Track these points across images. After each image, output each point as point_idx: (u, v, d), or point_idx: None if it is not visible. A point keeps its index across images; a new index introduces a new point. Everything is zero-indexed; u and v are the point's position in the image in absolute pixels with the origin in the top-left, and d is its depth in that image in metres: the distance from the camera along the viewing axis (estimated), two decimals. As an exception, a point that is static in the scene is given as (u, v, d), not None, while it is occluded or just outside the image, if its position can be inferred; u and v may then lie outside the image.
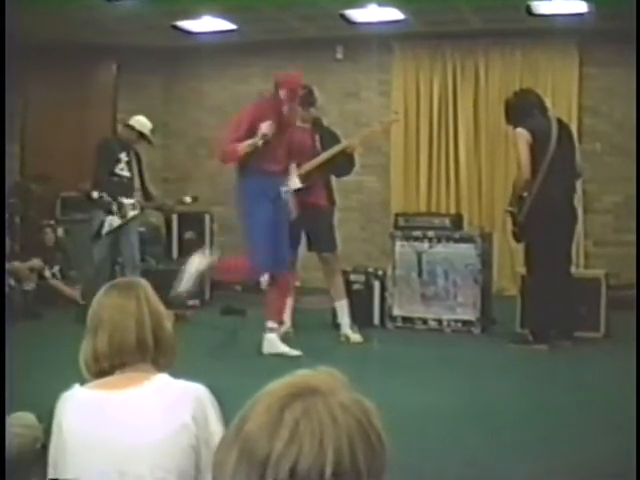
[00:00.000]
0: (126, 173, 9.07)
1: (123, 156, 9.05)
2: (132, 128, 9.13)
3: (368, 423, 1.24)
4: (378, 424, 1.26)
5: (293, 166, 8.04)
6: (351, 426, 1.21)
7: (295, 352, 7.25)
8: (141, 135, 9.15)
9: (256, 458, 1.19)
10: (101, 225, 8.95)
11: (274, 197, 7.36)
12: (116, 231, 8.97)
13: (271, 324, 7.51)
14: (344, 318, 8.21)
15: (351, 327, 8.17)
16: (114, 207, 8.90)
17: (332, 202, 8.31)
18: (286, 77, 7.62)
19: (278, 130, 7.24)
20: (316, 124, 8.27)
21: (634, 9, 8.38)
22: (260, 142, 7.09)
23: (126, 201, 8.95)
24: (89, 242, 9.17)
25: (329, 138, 8.20)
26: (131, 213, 8.99)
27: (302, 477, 1.17)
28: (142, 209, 9.16)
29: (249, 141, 7.16)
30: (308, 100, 8.15)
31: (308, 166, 8.01)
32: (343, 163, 8.15)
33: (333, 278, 8.28)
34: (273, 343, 7.41)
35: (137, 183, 9.20)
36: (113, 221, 8.92)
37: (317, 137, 8.18)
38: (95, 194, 9.07)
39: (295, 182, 8.02)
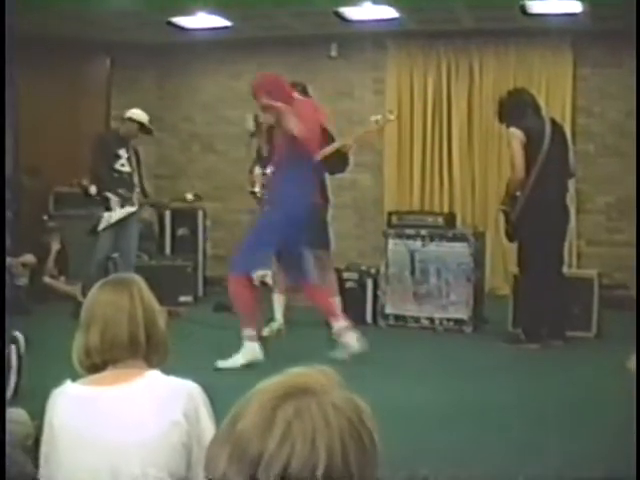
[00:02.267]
0: (127, 169, 8.97)
1: (122, 152, 8.95)
2: (131, 120, 9.04)
3: (360, 423, 1.24)
4: (370, 424, 1.26)
5: None
6: (343, 426, 1.21)
7: None
8: (141, 127, 9.10)
9: (248, 457, 1.19)
10: (98, 221, 8.93)
11: None
12: (115, 227, 8.92)
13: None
14: None
15: (345, 325, 8.17)
16: (113, 203, 8.85)
17: (326, 200, 8.30)
18: None
19: None
20: None
21: (629, 10, 8.37)
22: None
23: (126, 196, 8.92)
24: (84, 237, 9.15)
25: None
26: (130, 209, 8.92)
27: (294, 477, 1.17)
28: (140, 205, 9.10)
29: None
30: None
31: None
32: (337, 161, 8.11)
33: (326, 275, 8.27)
34: None
35: (136, 179, 9.11)
36: (111, 217, 8.87)
37: None
38: (93, 189, 9.03)
39: None
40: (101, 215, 8.87)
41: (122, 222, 8.91)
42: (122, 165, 8.95)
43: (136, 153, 9.19)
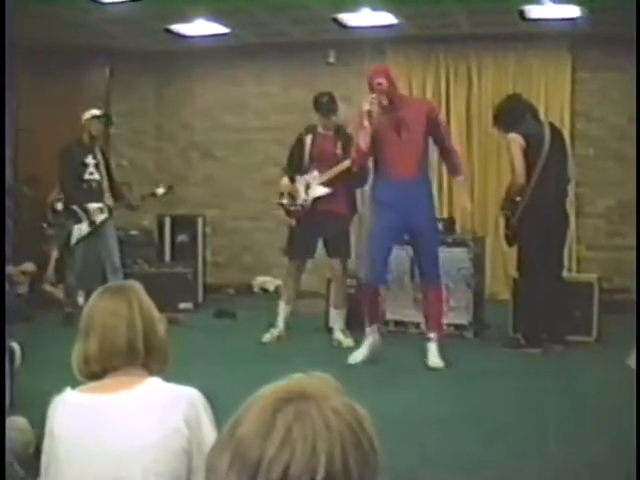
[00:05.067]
0: (95, 177, 8.91)
1: (90, 159, 8.89)
2: (89, 120, 8.94)
3: (360, 429, 1.24)
4: (370, 430, 1.26)
5: (315, 173, 8.05)
6: (343, 432, 1.21)
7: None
8: (99, 118, 9.04)
9: (248, 462, 1.19)
10: (69, 235, 8.90)
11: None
12: (89, 237, 8.90)
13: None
14: (338, 323, 8.20)
15: (343, 332, 8.17)
16: (80, 215, 8.80)
17: (352, 210, 8.31)
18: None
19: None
20: (339, 131, 8.25)
21: (627, 14, 8.39)
22: (366, 122, 6.94)
23: (94, 206, 8.82)
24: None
25: (352, 146, 8.13)
26: (100, 217, 8.88)
27: None
28: (111, 211, 9.00)
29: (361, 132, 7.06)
30: (329, 107, 8.15)
31: (329, 174, 8.01)
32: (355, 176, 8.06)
33: (337, 285, 8.30)
34: None
35: (106, 185, 9.04)
36: (82, 229, 8.83)
37: (339, 144, 8.13)
38: (59, 205, 9.00)
39: (316, 190, 8.02)
40: (71, 229, 8.85)
41: (96, 231, 8.88)
42: (91, 173, 8.90)
43: (104, 156, 9.15)
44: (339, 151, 8.11)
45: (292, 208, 8.18)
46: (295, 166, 8.23)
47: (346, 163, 7.91)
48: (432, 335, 7.27)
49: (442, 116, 7.36)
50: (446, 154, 7.43)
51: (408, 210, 7.01)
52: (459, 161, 7.48)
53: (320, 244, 8.27)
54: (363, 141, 7.03)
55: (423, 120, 7.04)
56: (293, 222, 8.29)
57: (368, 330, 7.36)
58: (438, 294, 7.38)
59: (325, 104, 8.16)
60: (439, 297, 7.42)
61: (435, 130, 7.13)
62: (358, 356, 7.26)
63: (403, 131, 7.02)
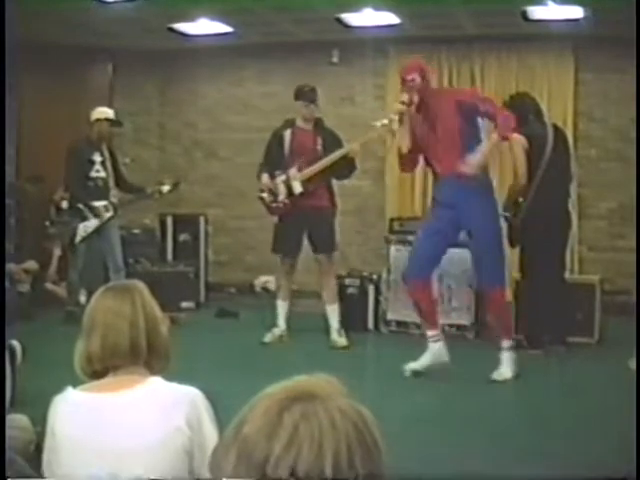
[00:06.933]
0: (102, 174, 8.90)
1: (97, 157, 8.89)
2: (99, 120, 8.95)
3: (366, 428, 1.24)
4: (375, 430, 1.26)
5: (294, 170, 7.98)
6: (349, 431, 1.22)
7: None
8: (112, 122, 9.07)
9: (254, 460, 1.19)
10: (74, 233, 8.90)
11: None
12: (94, 235, 8.90)
13: None
14: (333, 322, 8.17)
15: (338, 331, 8.13)
16: (86, 213, 8.81)
17: (333, 204, 8.26)
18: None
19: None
20: (318, 125, 8.21)
21: (630, 15, 8.37)
22: (396, 126, 6.69)
23: (99, 204, 8.82)
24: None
25: (331, 140, 8.09)
26: (105, 215, 8.88)
27: None
28: (116, 210, 8.98)
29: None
30: (310, 96, 8.11)
31: (309, 171, 7.95)
32: (344, 167, 8.07)
33: (326, 281, 8.25)
34: None
35: (112, 182, 9.03)
36: (87, 227, 8.82)
37: (319, 139, 8.11)
38: (64, 204, 8.98)
39: (297, 187, 7.97)
40: (76, 227, 8.84)
41: (101, 229, 8.88)
42: (97, 171, 8.89)
43: (111, 154, 9.14)
44: (319, 147, 8.07)
45: (273, 205, 8.13)
46: (274, 162, 8.13)
47: (326, 160, 7.90)
48: (504, 343, 6.77)
49: (477, 94, 7.13)
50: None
51: (461, 209, 6.65)
52: (508, 124, 6.54)
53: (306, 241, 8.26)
54: (403, 144, 6.80)
55: (454, 110, 6.63)
56: (275, 219, 8.29)
57: (429, 334, 6.88)
58: (500, 297, 6.92)
59: (307, 92, 8.11)
60: (501, 300, 6.95)
61: (473, 113, 6.67)
62: (417, 365, 6.80)
63: (438, 126, 6.68)
